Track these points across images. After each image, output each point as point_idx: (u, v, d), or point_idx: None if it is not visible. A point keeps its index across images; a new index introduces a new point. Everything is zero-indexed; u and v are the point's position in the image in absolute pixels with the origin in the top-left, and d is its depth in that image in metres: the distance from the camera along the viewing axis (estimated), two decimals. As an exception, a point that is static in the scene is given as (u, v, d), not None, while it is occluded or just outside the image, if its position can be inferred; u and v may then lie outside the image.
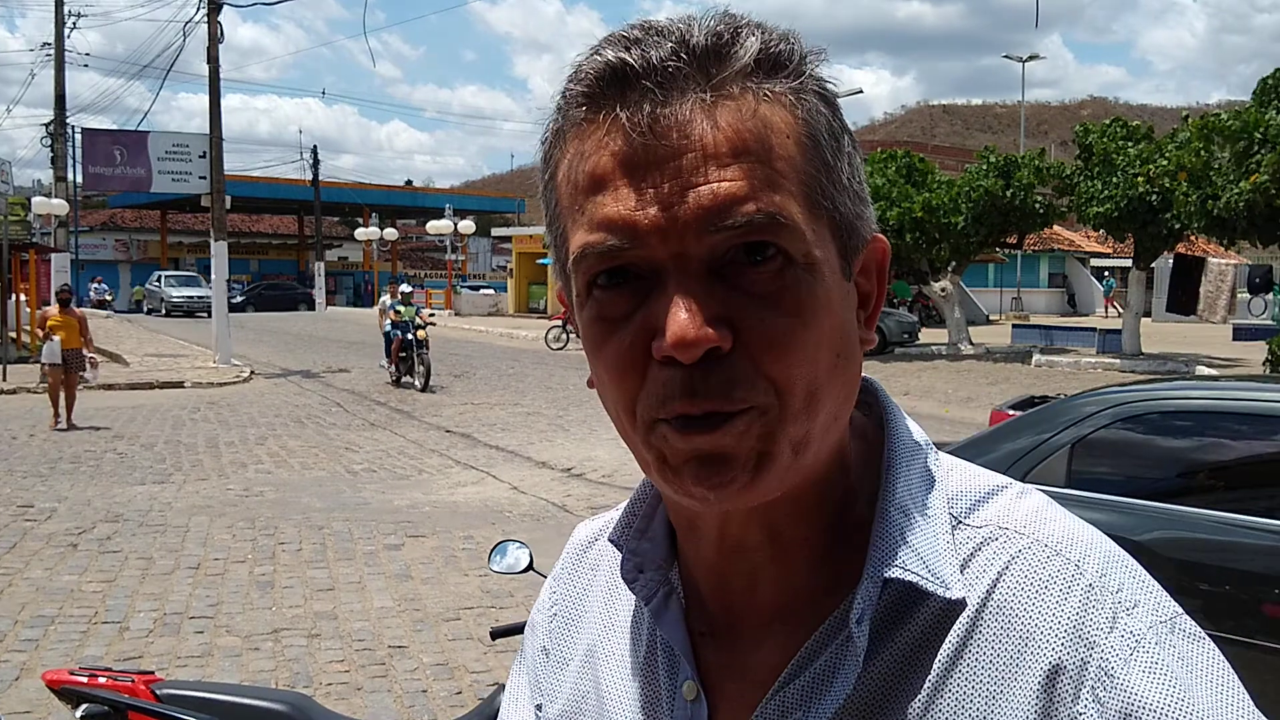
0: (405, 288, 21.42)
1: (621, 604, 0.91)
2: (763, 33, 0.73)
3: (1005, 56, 59.41)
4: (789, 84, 0.73)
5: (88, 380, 15.44)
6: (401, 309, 20.05)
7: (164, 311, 45.75)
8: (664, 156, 0.70)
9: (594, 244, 0.72)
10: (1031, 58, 54.80)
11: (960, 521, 0.78)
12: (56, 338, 14.85)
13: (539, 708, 0.97)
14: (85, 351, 15.21)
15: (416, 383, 19.61)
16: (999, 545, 0.76)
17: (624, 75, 0.71)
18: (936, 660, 0.74)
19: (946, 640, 0.74)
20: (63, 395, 14.82)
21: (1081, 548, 0.76)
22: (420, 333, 19.63)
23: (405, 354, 19.93)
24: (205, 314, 38.04)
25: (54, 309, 15.76)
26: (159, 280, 48.52)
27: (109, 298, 50.98)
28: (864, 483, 0.81)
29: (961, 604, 0.74)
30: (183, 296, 46.20)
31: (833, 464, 0.79)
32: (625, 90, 0.71)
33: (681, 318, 0.69)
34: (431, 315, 22.50)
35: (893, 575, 0.75)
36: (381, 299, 22.19)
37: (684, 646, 0.83)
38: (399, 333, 19.90)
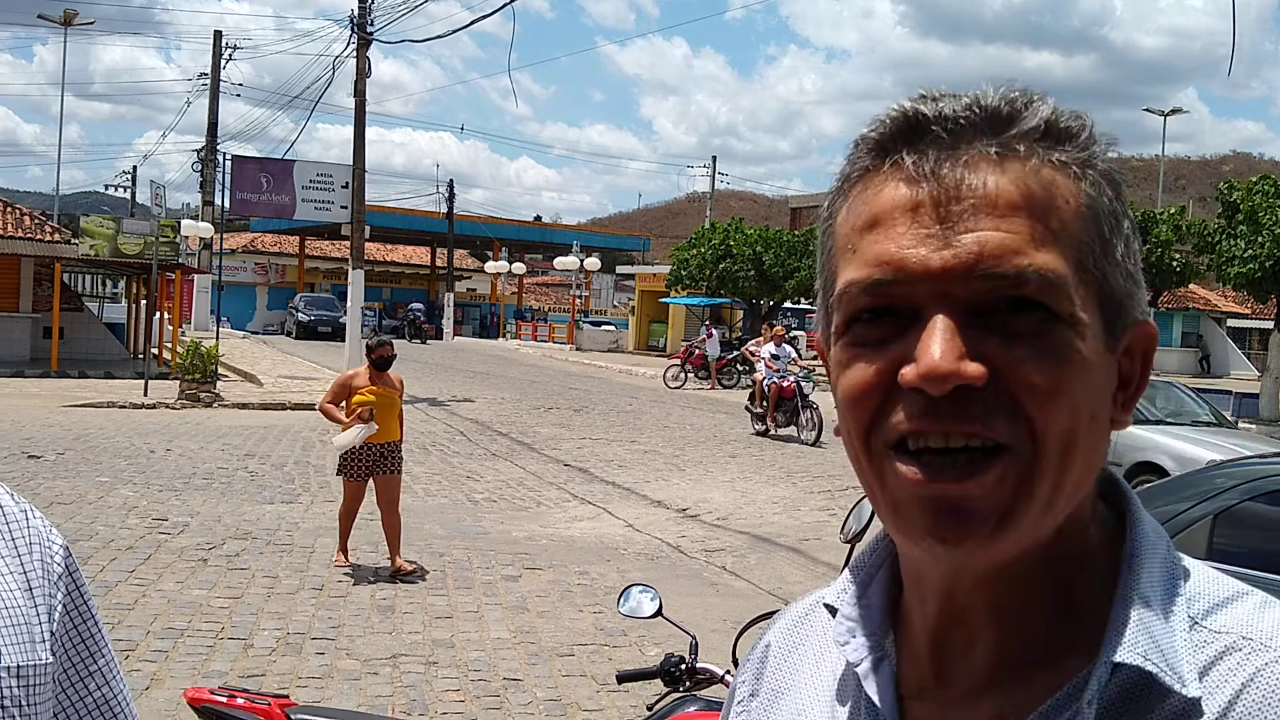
0: None
1: (827, 668, 0.90)
2: (1054, 105, 0.75)
3: (1146, 110, 58.02)
4: (1075, 155, 0.74)
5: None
6: None
7: None
8: (942, 200, 0.71)
9: (860, 280, 0.73)
10: (1174, 111, 53.51)
11: (1197, 623, 0.74)
12: (372, 424, 8.36)
13: None
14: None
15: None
16: (1242, 656, 0.72)
17: (916, 124, 0.74)
18: None
19: None
20: (378, 515, 8.78)
21: None
22: None
23: None
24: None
25: (361, 372, 8.73)
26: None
27: None
28: (1096, 567, 0.77)
29: (1197, 708, 0.70)
30: None
31: (1066, 537, 0.76)
32: (915, 138, 0.73)
33: (936, 347, 0.68)
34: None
35: (1129, 661, 0.71)
36: None
37: (891, 707, 0.82)
38: None
